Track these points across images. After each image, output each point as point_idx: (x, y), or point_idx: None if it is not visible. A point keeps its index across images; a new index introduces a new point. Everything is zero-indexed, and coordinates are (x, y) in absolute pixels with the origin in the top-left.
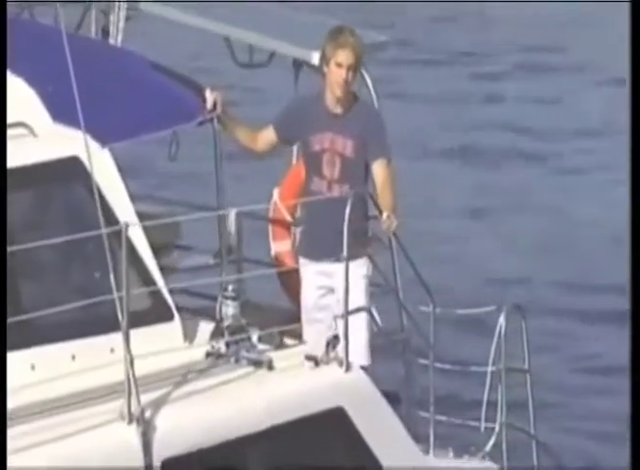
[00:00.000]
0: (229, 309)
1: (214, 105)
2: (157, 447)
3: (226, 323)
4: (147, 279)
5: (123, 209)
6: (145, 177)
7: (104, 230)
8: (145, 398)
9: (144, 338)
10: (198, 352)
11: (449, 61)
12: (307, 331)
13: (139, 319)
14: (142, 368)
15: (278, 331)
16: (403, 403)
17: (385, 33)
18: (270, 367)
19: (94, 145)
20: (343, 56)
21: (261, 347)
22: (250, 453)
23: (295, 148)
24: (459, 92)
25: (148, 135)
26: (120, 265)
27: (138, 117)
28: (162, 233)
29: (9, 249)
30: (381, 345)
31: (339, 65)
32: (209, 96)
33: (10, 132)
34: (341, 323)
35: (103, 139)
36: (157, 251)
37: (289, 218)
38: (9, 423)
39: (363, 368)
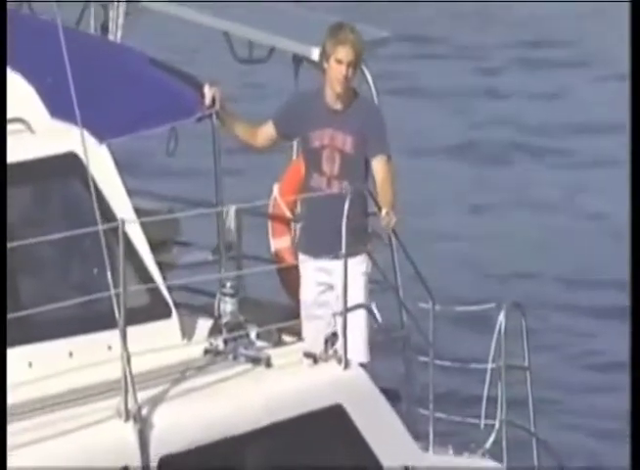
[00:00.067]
0: (227, 306)
1: (213, 100)
2: (154, 445)
3: (224, 320)
4: (145, 276)
5: (121, 204)
6: (144, 172)
7: (101, 227)
8: (142, 395)
9: (142, 335)
10: (196, 349)
11: (451, 56)
12: (306, 328)
13: (137, 316)
14: (140, 365)
15: (276, 328)
16: (403, 401)
17: (386, 29)
18: (268, 364)
19: (91, 141)
20: (343, 52)
21: (260, 344)
22: (248, 451)
23: (295, 143)
24: (460, 88)
25: (146, 131)
26: (118, 262)
27: (136, 113)
28: (162, 229)
29: (8, 245)
30: (380, 342)
31: (339, 61)
32: (208, 92)
33: (7, 128)
34: (339, 320)
35: (101, 135)
36: (156, 247)
37: (289, 214)
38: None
39: (362, 365)
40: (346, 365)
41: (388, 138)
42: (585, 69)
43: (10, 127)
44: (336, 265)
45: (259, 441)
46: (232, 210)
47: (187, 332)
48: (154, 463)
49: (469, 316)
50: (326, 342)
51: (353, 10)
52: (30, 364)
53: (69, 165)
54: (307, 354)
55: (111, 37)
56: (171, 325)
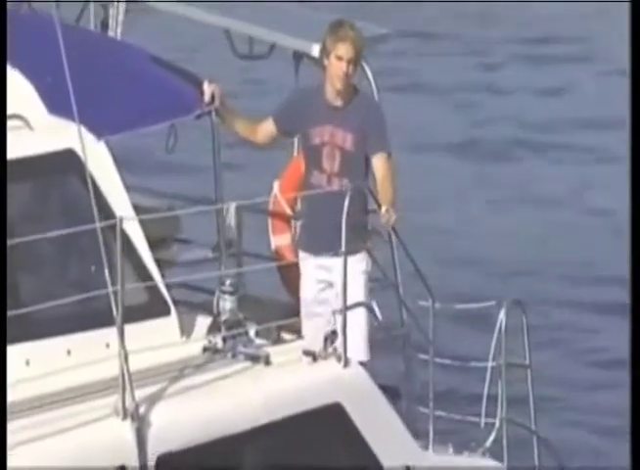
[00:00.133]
0: (226, 304)
1: (212, 97)
2: (151, 443)
3: (223, 318)
4: (143, 273)
5: (119, 202)
6: (143, 169)
7: (98, 224)
8: (140, 393)
9: (140, 333)
10: (194, 346)
11: (453, 52)
12: (306, 325)
13: (135, 314)
14: (138, 363)
15: (276, 326)
16: (403, 399)
17: (388, 27)
18: (267, 362)
19: (90, 138)
20: (344, 49)
21: (259, 341)
22: (246, 449)
23: (296, 140)
24: (462, 84)
25: (146, 128)
26: (116, 259)
27: (136, 110)
28: (162, 226)
29: (8, 242)
30: (381, 340)
31: (339, 58)
32: (207, 88)
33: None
34: (339, 318)
35: (100, 132)
36: (156, 244)
37: (289, 212)
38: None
39: (361, 364)
40: (346, 363)
41: (389, 135)
42: (589, 64)
43: (8, 124)
44: (336, 263)
45: (258, 439)
46: (232, 207)
47: (186, 330)
48: (151, 462)
49: (469, 314)
50: (325, 340)
51: (357, 10)
52: (28, 362)
53: (68, 162)
54: (306, 352)
55: (111, 34)
56: (170, 323)
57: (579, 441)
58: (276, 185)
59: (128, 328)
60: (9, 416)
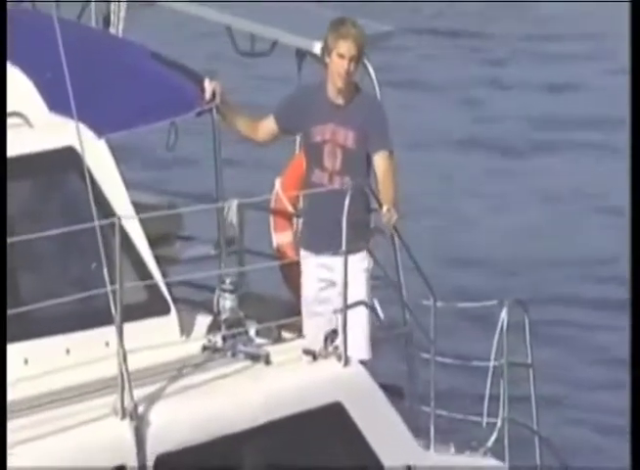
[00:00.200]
0: (227, 302)
1: (213, 95)
2: (150, 443)
3: (223, 316)
4: (143, 272)
5: (119, 200)
6: (143, 166)
7: (97, 223)
8: (139, 392)
9: (140, 332)
10: (194, 345)
11: (454, 50)
12: (307, 324)
13: (135, 313)
14: (137, 362)
15: (276, 325)
16: (404, 398)
17: (389, 23)
18: (267, 361)
19: (90, 135)
20: (345, 47)
21: (259, 340)
22: (246, 449)
23: (298, 138)
24: (466, 80)
25: (146, 126)
26: (115, 257)
27: (136, 108)
28: (164, 224)
29: (8, 241)
30: (383, 339)
31: (340, 56)
32: (208, 86)
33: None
34: (340, 317)
35: (100, 129)
36: (158, 241)
37: (291, 209)
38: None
39: (362, 363)
40: (346, 362)
41: (390, 133)
42: (594, 61)
43: (8, 121)
44: (337, 262)
45: (258, 439)
46: (234, 204)
47: (185, 328)
48: (150, 462)
49: (471, 313)
50: (326, 339)
51: (357, 10)
52: (26, 361)
53: (68, 160)
54: (307, 351)
55: (112, 31)
56: (169, 322)
57: (581, 440)
58: (278, 183)
59: (127, 327)
60: (7, 415)
